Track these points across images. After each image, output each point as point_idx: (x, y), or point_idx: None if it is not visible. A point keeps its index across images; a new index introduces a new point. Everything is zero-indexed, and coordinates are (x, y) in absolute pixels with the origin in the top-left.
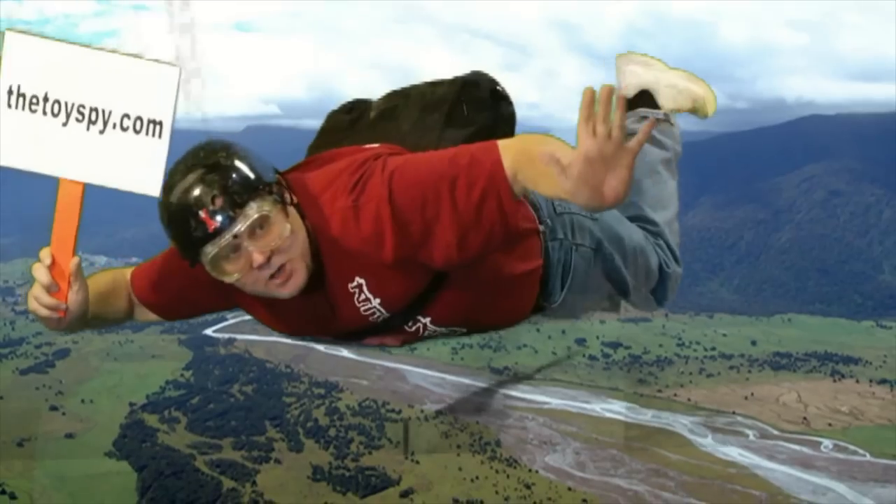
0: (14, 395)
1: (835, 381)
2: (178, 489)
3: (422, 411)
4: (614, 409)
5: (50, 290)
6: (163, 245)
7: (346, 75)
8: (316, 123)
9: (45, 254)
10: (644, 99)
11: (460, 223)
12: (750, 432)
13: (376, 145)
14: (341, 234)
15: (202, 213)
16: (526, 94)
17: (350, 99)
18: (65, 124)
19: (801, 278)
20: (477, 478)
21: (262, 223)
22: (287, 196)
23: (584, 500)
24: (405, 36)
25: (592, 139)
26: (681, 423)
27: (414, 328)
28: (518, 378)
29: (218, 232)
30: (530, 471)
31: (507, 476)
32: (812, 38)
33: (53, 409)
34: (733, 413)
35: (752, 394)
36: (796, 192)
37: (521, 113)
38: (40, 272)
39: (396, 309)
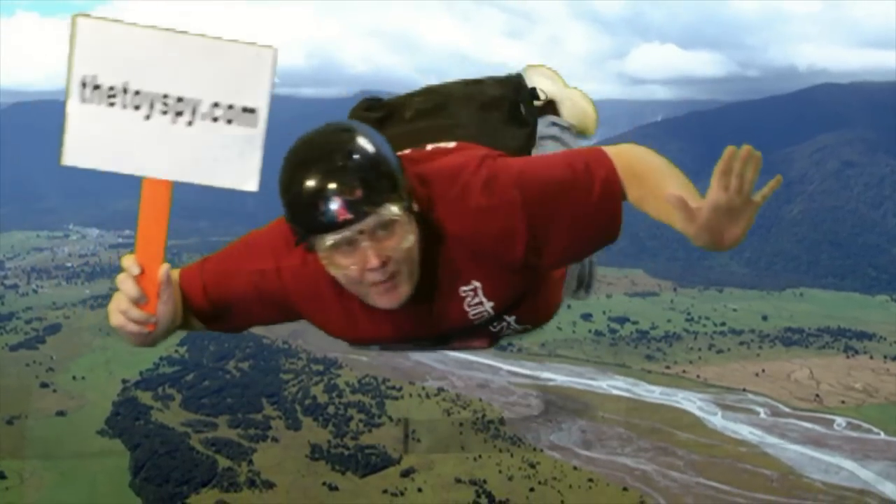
0: (3, 372)
1: (848, 357)
2: (172, 468)
3: (423, 388)
4: (621, 386)
5: (138, 302)
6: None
7: (346, 43)
8: (315, 92)
9: (131, 262)
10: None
11: (577, 227)
12: (761, 410)
13: (454, 144)
14: (472, 233)
15: (336, 200)
16: (530, 63)
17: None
18: (148, 117)
19: (814, 251)
20: (480, 456)
21: (388, 226)
22: (415, 201)
23: (590, 480)
24: (406, 2)
25: (724, 192)
26: (689, 401)
27: (498, 328)
28: (522, 354)
29: (346, 224)
30: (535, 449)
31: (511, 455)
32: (825, 4)
33: (44, 385)
34: (744, 390)
35: (763, 370)
36: (808, 163)
37: None
38: (128, 284)
39: (502, 311)
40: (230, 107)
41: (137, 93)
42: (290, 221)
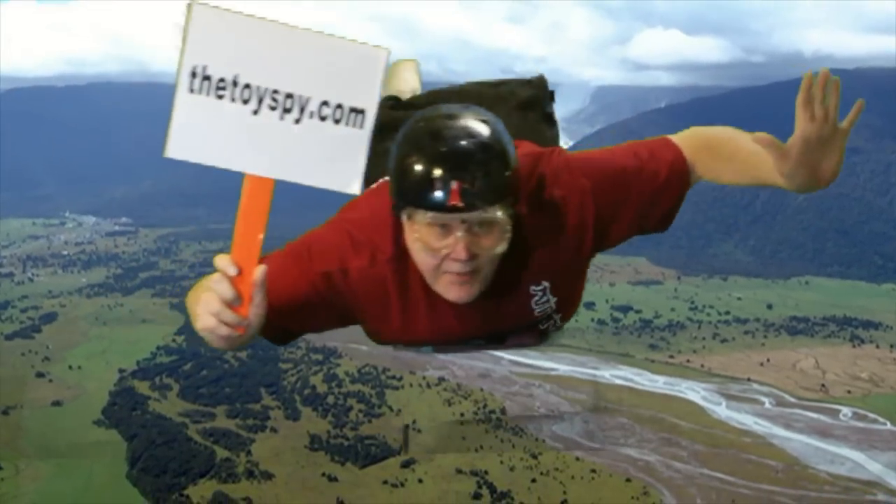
0: None
1: (854, 346)
2: (169, 459)
3: (423, 378)
4: (624, 375)
5: (233, 304)
6: (156, 206)
7: (345, 28)
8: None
9: (227, 263)
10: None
11: (639, 213)
12: (766, 400)
13: None
14: (548, 228)
15: (454, 184)
16: (532, 48)
17: None
18: (256, 112)
19: (819, 239)
20: (481, 447)
21: (488, 225)
22: (518, 208)
23: (593, 471)
24: None
25: (811, 122)
26: (693, 391)
27: (545, 326)
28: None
29: (454, 210)
30: (537, 440)
31: (513, 445)
32: None
33: (40, 375)
34: (748, 380)
35: (768, 360)
36: None
37: (527, 67)
38: (223, 285)
39: (566, 307)
40: (339, 106)
41: (247, 86)
42: (397, 184)
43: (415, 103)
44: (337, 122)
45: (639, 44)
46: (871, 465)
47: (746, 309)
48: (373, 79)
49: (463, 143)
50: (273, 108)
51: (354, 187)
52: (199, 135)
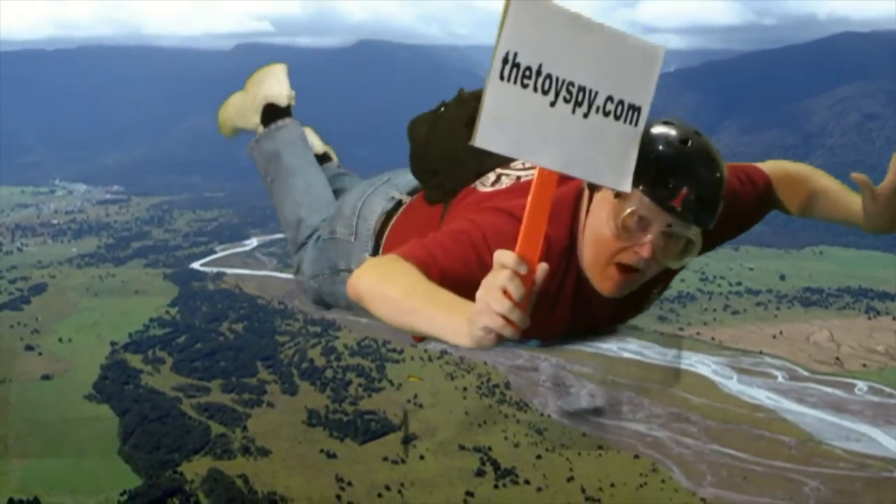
0: None
1: (870, 318)
2: (162, 435)
3: (425, 351)
4: (632, 348)
5: (521, 303)
6: (149, 173)
7: None
8: (312, 41)
9: (518, 261)
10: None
11: (730, 231)
12: (778, 374)
13: None
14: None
15: (684, 190)
16: None
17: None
18: (552, 104)
19: None
20: (484, 422)
21: (680, 239)
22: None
23: (600, 447)
24: None
25: None
26: (704, 364)
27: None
28: None
29: (670, 210)
30: (542, 415)
31: (518, 421)
32: None
33: (29, 348)
34: (760, 353)
35: (781, 332)
36: (828, 115)
37: None
38: (515, 284)
39: None
40: (620, 102)
41: (549, 77)
42: (644, 170)
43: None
44: (618, 118)
45: (647, 6)
46: (887, 441)
47: (759, 280)
48: (651, 76)
49: (706, 162)
50: (567, 101)
51: (626, 185)
52: (506, 124)
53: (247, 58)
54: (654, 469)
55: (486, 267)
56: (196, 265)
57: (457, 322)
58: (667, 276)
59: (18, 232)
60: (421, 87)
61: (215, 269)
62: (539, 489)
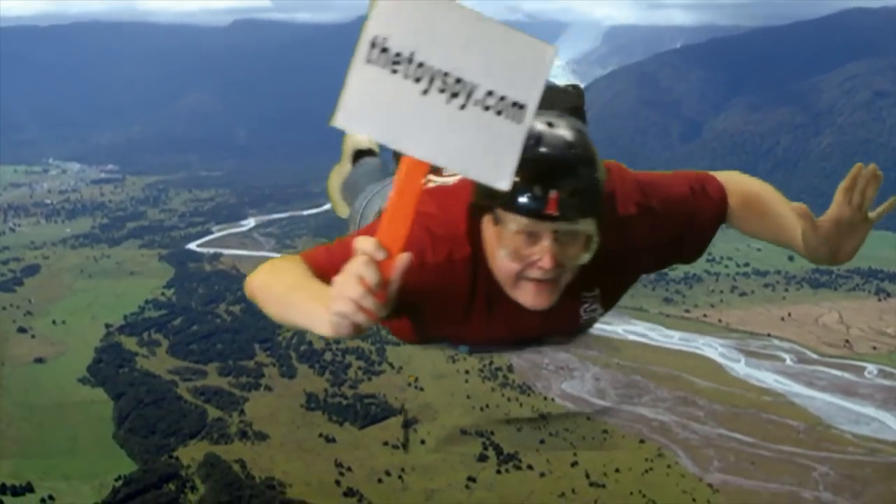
0: None
1: (880, 300)
2: (158, 419)
3: None
4: (638, 331)
5: (376, 291)
6: (145, 152)
7: None
8: (311, 17)
9: (376, 246)
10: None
11: (687, 243)
12: (787, 356)
13: None
14: (612, 243)
15: (553, 194)
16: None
17: None
18: (425, 92)
19: None
20: (487, 406)
21: (576, 236)
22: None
23: (605, 431)
24: None
25: (848, 207)
26: (711, 347)
27: (577, 329)
28: None
29: (548, 218)
30: (545, 399)
31: (521, 404)
32: None
33: (22, 331)
34: (768, 335)
35: (790, 314)
36: (838, 93)
37: (537, 6)
38: (371, 270)
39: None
40: (502, 98)
41: (421, 65)
42: (491, 189)
43: None
44: (499, 113)
45: None
46: None
47: (767, 261)
48: (539, 75)
49: (563, 152)
50: (441, 91)
51: (504, 182)
52: (369, 108)
53: (244, 33)
54: (660, 454)
55: None
56: (192, 246)
57: (321, 310)
58: (607, 279)
59: (11, 212)
60: None
61: (212, 250)
62: (542, 474)
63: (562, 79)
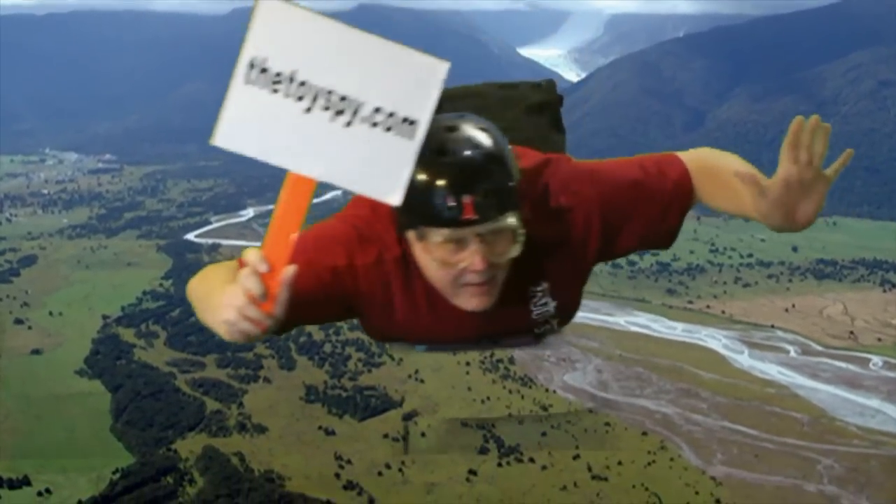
0: None
1: (885, 291)
2: (156, 411)
3: None
4: (640, 322)
5: (259, 301)
6: (142, 142)
7: None
8: (311, 5)
9: (259, 258)
10: None
11: (646, 225)
12: (791, 348)
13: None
14: (552, 235)
15: (467, 198)
16: None
17: None
18: (308, 110)
19: (848, 177)
20: (488, 398)
21: (501, 232)
22: (525, 212)
23: (607, 424)
24: None
25: (794, 165)
26: (714, 339)
27: (542, 330)
28: None
29: (469, 223)
30: (547, 391)
31: (522, 396)
32: None
33: (18, 322)
34: (772, 327)
35: (794, 305)
36: (842, 82)
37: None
38: (252, 281)
39: (564, 312)
40: (391, 115)
41: (303, 84)
42: (406, 206)
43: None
44: (388, 130)
45: None
46: None
47: (770, 251)
48: (429, 91)
49: (468, 155)
50: (326, 109)
51: (395, 198)
52: (249, 126)
53: (243, 22)
54: (663, 447)
55: (309, 268)
56: (190, 236)
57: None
58: (551, 270)
59: (7, 202)
60: None
61: (210, 241)
62: (544, 467)
63: (563, 68)
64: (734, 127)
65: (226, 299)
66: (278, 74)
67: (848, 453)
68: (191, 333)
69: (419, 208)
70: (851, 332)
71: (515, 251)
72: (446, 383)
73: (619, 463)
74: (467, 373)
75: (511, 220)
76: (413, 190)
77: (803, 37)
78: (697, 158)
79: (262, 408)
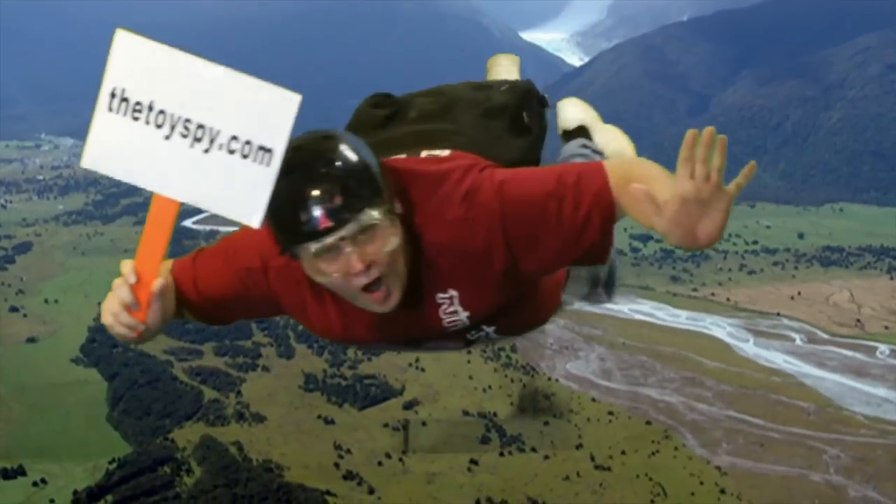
0: None
1: (892, 278)
2: (153, 400)
3: None
4: (644, 310)
5: (130, 309)
6: None
7: None
8: None
9: (130, 270)
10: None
11: (563, 240)
12: (797, 336)
13: (448, 152)
14: (449, 245)
15: (318, 209)
16: None
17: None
18: (167, 137)
19: (854, 163)
20: (489, 387)
21: (369, 230)
22: (397, 205)
23: (611, 413)
24: None
25: (690, 181)
26: (719, 326)
27: (475, 336)
28: None
29: (328, 231)
30: (550, 379)
31: (524, 386)
32: None
33: (14, 310)
34: (778, 315)
35: (799, 293)
36: (849, 66)
37: None
38: (123, 290)
39: (479, 321)
40: (248, 142)
41: (161, 112)
42: (273, 231)
43: (397, 101)
44: (245, 157)
45: None
46: None
47: (776, 238)
48: (284, 121)
49: (309, 167)
50: (184, 136)
51: (255, 220)
52: (113, 151)
53: (241, 5)
54: (667, 436)
55: (229, 267)
56: (188, 223)
57: None
58: (456, 278)
59: (2, 188)
60: (423, 38)
61: (208, 227)
62: (546, 457)
63: (566, 52)
64: (739, 111)
65: (105, 305)
66: (138, 103)
67: (854, 443)
68: (188, 321)
69: (282, 230)
70: (858, 320)
71: (395, 241)
72: (447, 372)
73: (623, 452)
74: (468, 361)
75: (371, 213)
76: (272, 214)
77: (809, 20)
78: (622, 169)
79: (261, 396)
